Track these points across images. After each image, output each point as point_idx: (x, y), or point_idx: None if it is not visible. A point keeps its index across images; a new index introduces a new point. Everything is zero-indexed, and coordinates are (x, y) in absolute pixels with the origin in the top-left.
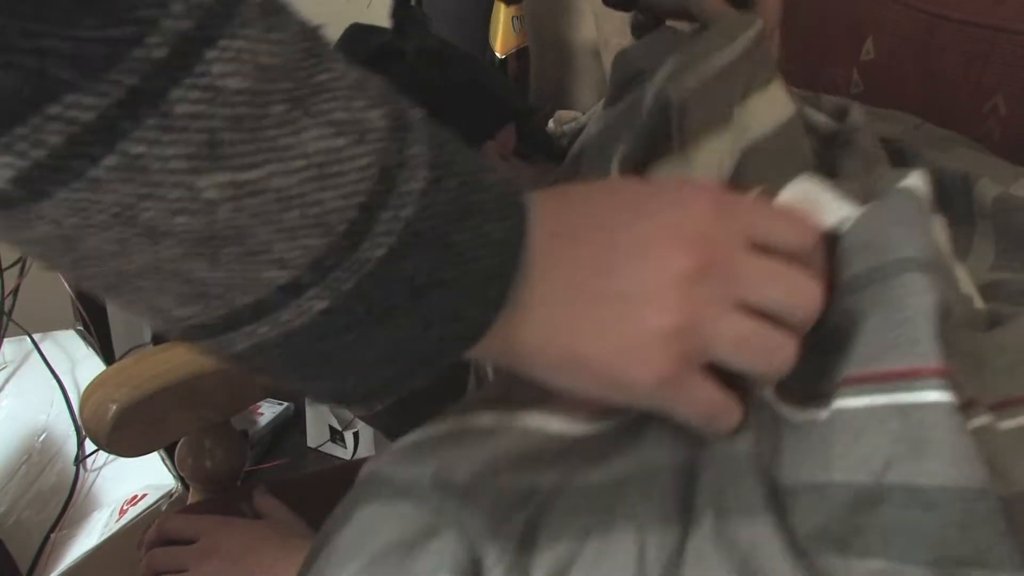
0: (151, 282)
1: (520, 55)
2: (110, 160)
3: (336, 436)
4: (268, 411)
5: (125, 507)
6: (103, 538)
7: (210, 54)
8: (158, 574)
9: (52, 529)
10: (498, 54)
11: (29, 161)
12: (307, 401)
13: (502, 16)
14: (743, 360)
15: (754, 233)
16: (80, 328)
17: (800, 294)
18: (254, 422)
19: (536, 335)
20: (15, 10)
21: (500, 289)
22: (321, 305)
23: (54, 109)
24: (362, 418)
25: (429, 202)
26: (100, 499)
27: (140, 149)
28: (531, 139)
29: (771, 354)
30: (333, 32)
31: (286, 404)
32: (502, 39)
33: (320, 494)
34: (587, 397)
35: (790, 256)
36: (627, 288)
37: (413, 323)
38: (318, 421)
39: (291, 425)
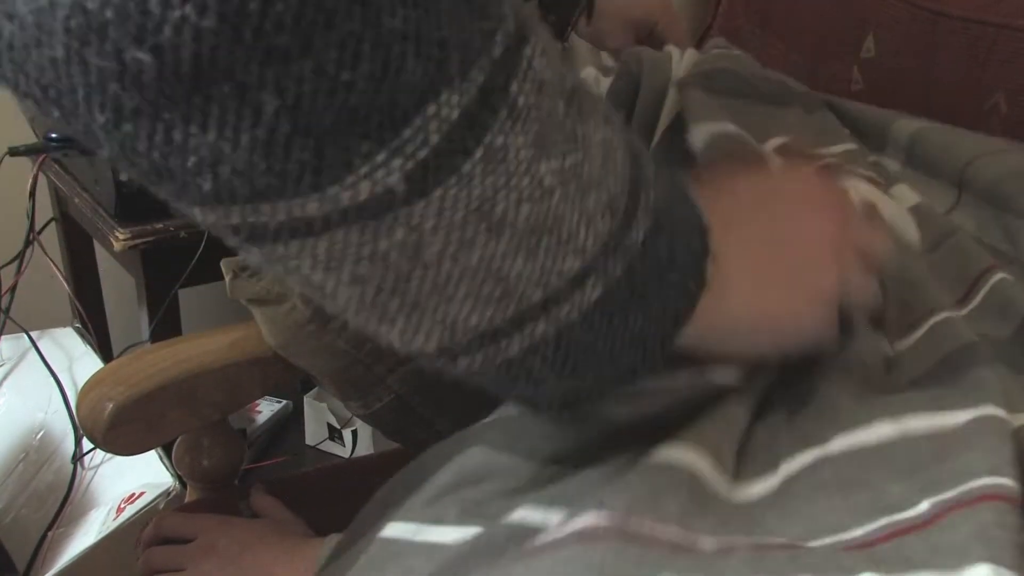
0: (465, 287)
1: None
2: (478, 153)
3: (335, 434)
4: (266, 409)
5: (122, 505)
6: (100, 536)
7: (527, 51)
8: (155, 573)
9: (49, 527)
10: None
11: (415, 161)
12: (305, 399)
13: None
14: (859, 300)
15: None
16: (78, 326)
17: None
18: (252, 420)
19: (735, 305)
20: (427, 5)
21: (703, 268)
22: (596, 293)
23: (432, 108)
24: (361, 417)
25: (661, 189)
26: (97, 497)
27: (500, 140)
28: None
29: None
30: None
31: (284, 402)
32: None
33: (319, 492)
34: (762, 354)
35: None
36: (794, 261)
37: (657, 302)
38: (316, 419)
39: (290, 423)
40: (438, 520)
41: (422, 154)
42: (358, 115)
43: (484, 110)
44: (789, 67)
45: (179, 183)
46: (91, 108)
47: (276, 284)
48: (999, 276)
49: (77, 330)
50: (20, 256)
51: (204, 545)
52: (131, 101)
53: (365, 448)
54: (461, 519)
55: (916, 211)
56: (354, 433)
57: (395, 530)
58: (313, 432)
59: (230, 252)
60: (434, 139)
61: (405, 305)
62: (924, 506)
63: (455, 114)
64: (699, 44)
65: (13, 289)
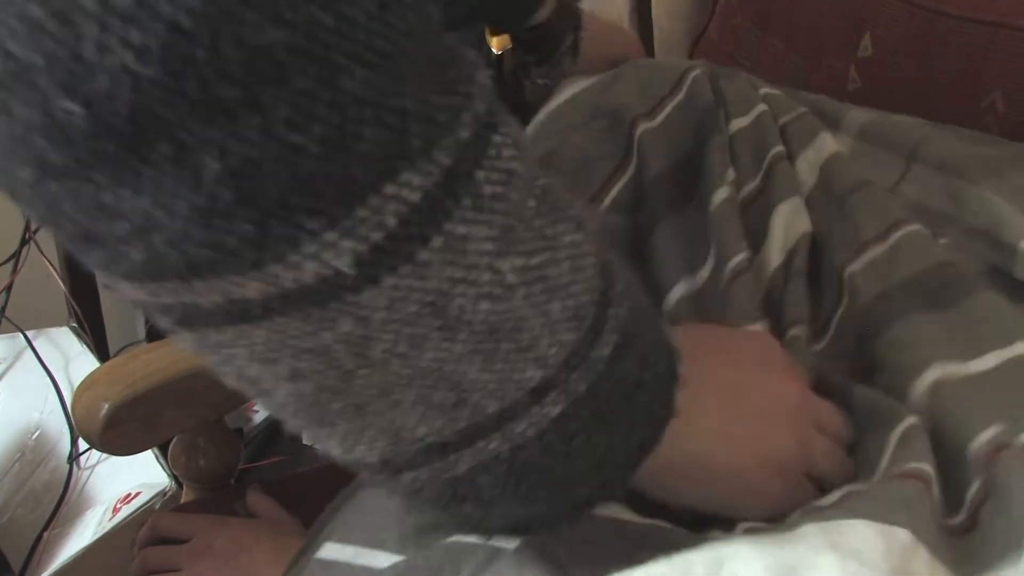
0: (414, 391)
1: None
2: (437, 241)
3: None
4: (263, 409)
5: (118, 505)
6: (96, 537)
7: (496, 138)
8: (151, 573)
9: (45, 527)
10: (495, 51)
11: (368, 244)
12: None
13: None
14: (829, 466)
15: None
16: (74, 325)
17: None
18: (249, 419)
19: (699, 443)
20: (389, 69)
21: (672, 393)
22: (556, 411)
23: (390, 189)
24: None
25: (632, 303)
26: (93, 497)
27: (462, 230)
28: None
29: (842, 462)
30: None
31: None
32: (498, 36)
33: (316, 492)
34: (710, 509)
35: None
36: (758, 414)
37: (621, 427)
38: None
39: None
40: (379, 545)
41: (376, 237)
42: (308, 186)
43: (447, 196)
44: (787, 66)
45: (108, 251)
46: (13, 163)
47: None
48: (908, 230)
49: (73, 329)
50: (16, 255)
51: (200, 546)
52: (58, 158)
53: None
54: (401, 546)
55: (828, 162)
56: None
57: (333, 552)
58: None
59: None
60: (391, 222)
61: (348, 408)
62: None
63: (415, 196)
64: (695, 44)
65: (9, 288)
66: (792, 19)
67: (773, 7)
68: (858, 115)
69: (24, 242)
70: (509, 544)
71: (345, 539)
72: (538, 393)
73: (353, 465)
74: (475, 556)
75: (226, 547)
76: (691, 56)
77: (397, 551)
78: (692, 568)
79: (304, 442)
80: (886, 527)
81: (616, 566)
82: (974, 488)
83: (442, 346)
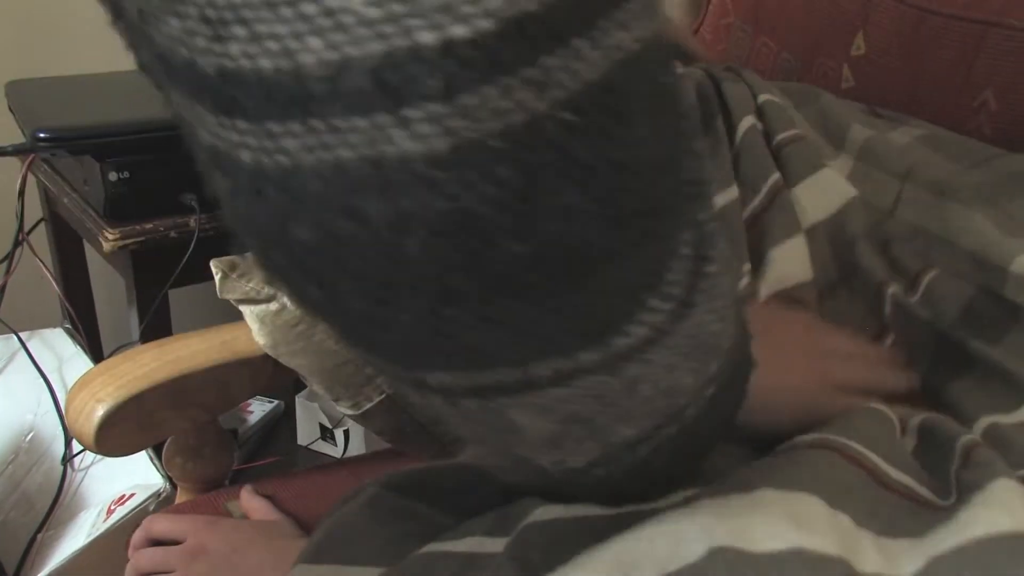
0: (646, 408)
1: None
2: (704, 283)
3: (326, 434)
4: (258, 409)
5: (112, 507)
6: (90, 538)
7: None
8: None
9: (39, 529)
10: None
11: (675, 301)
12: (297, 399)
13: None
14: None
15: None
16: (68, 326)
17: None
18: (244, 420)
19: (772, 384)
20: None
21: (751, 348)
22: (710, 392)
23: (681, 251)
24: (351, 417)
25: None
26: (87, 499)
27: (714, 272)
28: None
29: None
30: None
31: (276, 402)
32: None
33: (311, 492)
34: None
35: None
36: (826, 348)
37: (737, 388)
38: (308, 419)
39: (281, 423)
40: (352, 561)
41: (678, 293)
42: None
43: (704, 248)
44: (780, 65)
45: (487, 358)
46: (417, 295)
47: (265, 284)
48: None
49: (67, 331)
50: (9, 257)
51: (194, 547)
52: (471, 286)
53: (357, 448)
54: (376, 560)
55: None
56: (346, 433)
57: (305, 573)
58: (305, 432)
59: (219, 252)
60: (684, 284)
61: (585, 432)
62: None
63: (690, 251)
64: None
65: (2, 290)
66: (785, 18)
67: (765, 6)
68: (859, 133)
69: (17, 243)
70: (482, 549)
71: (317, 559)
72: (708, 384)
73: (552, 471)
74: (450, 565)
75: (220, 549)
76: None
77: (372, 564)
78: (654, 541)
79: (299, 442)
80: (831, 509)
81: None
82: None
83: (681, 368)
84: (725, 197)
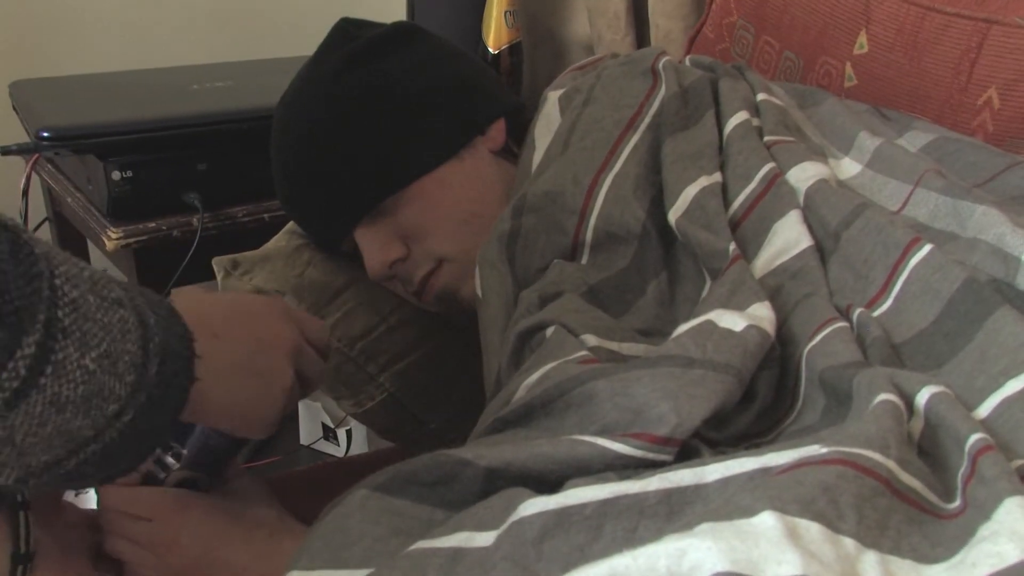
0: (42, 446)
1: (513, 50)
2: (50, 369)
3: (329, 434)
4: None
5: None
6: None
7: (57, 281)
8: (121, 539)
9: None
10: (491, 49)
11: (10, 391)
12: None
13: (495, 11)
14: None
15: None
16: None
17: None
18: None
19: (218, 394)
20: None
21: (192, 369)
22: (128, 417)
23: (19, 352)
24: (353, 415)
25: (159, 320)
26: (87, 496)
27: (62, 355)
28: (521, 135)
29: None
30: (323, 26)
31: None
32: (495, 34)
33: (313, 491)
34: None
35: None
36: (262, 364)
37: (165, 407)
38: (311, 419)
39: (284, 422)
40: (343, 564)
41: (15, 384)
42: None
43: (49, 339)
44: (782, 64)
45: None
46: None
47: (268, 282)
48: (921, 255)
49: None
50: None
51: (166, 537)
52: None
53: (360, 448)
54: (366, 560)
55: (820, 185)
56: (348, 433)
57: None
58: (307, 431)
59: (222, 250)
60: (23, 372)
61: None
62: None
63: (33, 350)
64: (691, 42)
65: None
66: (787, 17)
67: (768, 5)
68: (868, 141)
69: None
70: (470, 544)
71: (310, 566)
72: (118, 415)
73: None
74: (439, 560)
75: (193, 544)
76: (687, 54)
77: (362, 566)
78: (656, 560)
79: (302, 442)
80: (833, 534)
81: (579, 553)
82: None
83: (58, 419)
84: (707, 181)
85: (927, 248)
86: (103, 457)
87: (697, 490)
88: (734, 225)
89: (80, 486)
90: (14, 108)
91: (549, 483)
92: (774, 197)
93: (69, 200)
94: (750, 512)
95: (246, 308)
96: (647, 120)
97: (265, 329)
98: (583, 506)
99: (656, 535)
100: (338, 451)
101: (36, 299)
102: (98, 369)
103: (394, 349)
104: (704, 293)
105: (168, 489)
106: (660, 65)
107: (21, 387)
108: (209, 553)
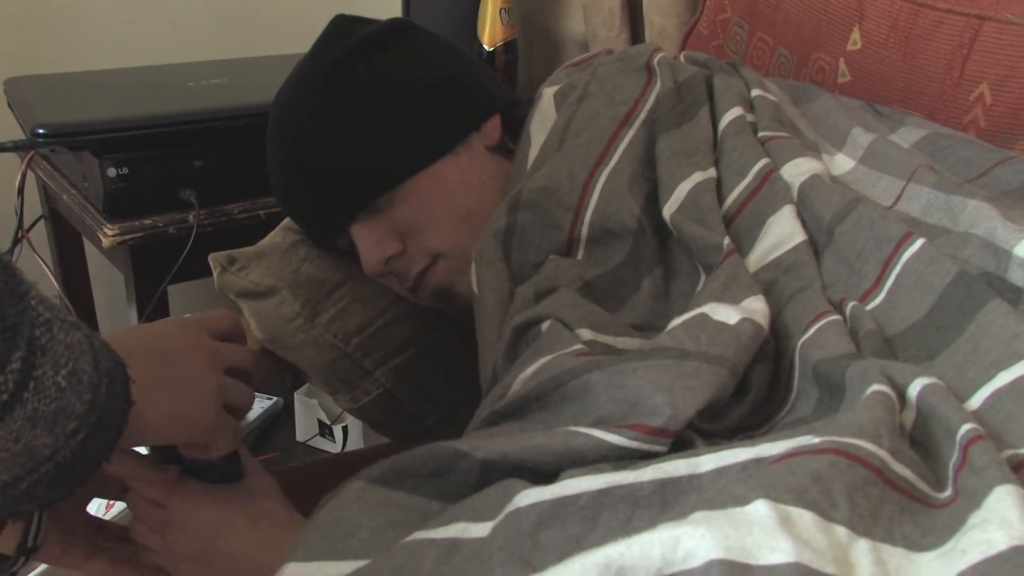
0: (8, 462)
1: (508, 47)
2: (32, 384)
3: (325, 430)
4: (257, 405)
5: (111, 502)
6: None
7: (33, 302)
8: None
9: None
10: (486, 46)
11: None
12: (296, 395)
13: (490, 8)
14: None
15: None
16: None
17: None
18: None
19: (148, 413)
20: None
21: (128, 392)
22: (81, 436)
23: (8, 368)
24: (349, 411)
25: (101, 353)
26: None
27: (40, 372)
28: (516, 131)
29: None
30: (319, 23)
31: (275, 399)
32: (490, 31)
33: (310, 488)
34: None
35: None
36: (183, 377)
37: (112, 425)
38: (307, 415)
39: (280, 419)
40: (339, 555)
41: (4, 398)
42: None
43: (30, 355)
44: (776, 60)
45: None
46: None
47: (264, 278)
48: (914, 249)
49: None
50: (9, 254)
51: (175, 524)
52: None
53: (356, 444)
54: (363, 551)
55: (814, 180)
56: (344, 429)
57: (296, 572)
58: (303, 428)
59: (219, 247)
60: (11, 387)
61: None
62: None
63: (19, 365)
64: (685, 39)
65: None
66: (781, 13)
67: (762, 2)
68: (862, 137)
69: (17, 241)
70: (466, 535)
71: (307, 558)
72: (74, 433)
73: None
74: (435, 551)
75: (199, 532)
76: (681, 51)
77: (359, 557)
78: (650, 548)
79: (298, 439)
80: (826, 522)
81: (574, 543)
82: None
83: (31, 434)
84: (702, 176)
85: (920, 242)
86: (54, 477)
87: (691, 480)
88: (728, 220)
89: (21, 512)
90: (9, 105)
91: (545, 474)
92: (768, 192)
93: (65, 197)
94: (744, 501)
95: (154, 331)
96: (642, 116)
97: (180, 342)
98: (578, 496)
99: (651, 524)
100: (334, 447)
101: (24, 316)
102: (67, 387)
103: (390, 345)
104: (699, 288)
105: (182, 478)
106: (655, 61)
107: (8, 401)
108: (213, 541)
